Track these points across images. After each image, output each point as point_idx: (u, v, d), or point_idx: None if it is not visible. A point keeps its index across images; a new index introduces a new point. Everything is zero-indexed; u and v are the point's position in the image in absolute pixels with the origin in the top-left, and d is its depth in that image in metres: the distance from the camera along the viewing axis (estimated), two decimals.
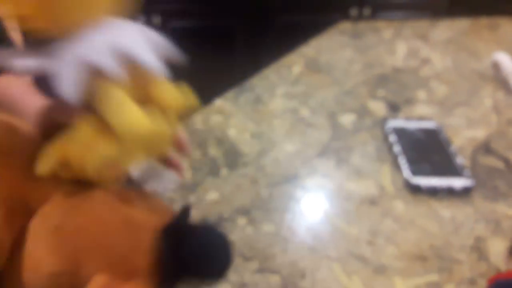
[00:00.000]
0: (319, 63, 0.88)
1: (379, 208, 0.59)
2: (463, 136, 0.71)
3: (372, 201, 0.59)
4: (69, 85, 0.33)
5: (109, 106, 0.36)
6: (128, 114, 0.35)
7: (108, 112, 0.36)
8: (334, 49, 0.93)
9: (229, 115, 0.74)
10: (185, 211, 0.45)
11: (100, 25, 0.35)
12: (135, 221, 0.41)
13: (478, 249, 0.54)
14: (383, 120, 0.72)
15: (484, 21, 1.04)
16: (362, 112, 0.75)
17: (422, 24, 1.02)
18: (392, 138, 0.68)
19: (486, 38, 0.97)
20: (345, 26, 1.02)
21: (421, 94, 0.80)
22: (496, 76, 0.84)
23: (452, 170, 0.63)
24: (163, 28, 1.58)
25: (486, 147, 0.69)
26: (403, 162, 0.64)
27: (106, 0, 0.36)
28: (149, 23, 1.58)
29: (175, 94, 0.40)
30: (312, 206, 0.59)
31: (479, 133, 0.71)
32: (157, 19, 1.58)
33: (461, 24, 1.02)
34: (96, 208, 0.40)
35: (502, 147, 0.69)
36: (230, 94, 0.79)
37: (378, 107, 0.76)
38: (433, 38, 0.97)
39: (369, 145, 0.68)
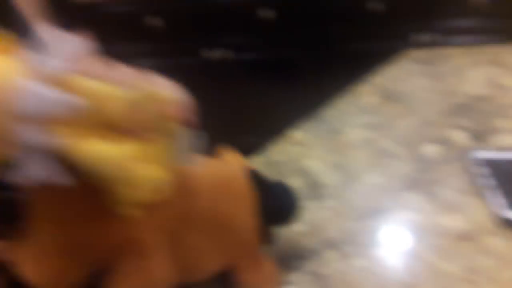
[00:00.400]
0: (393, 92, 0.87)
1: (474, 244, 0.56)
2: None
3: (466, 237, 0.57)
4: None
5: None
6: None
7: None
8: (407, 78, 0.92)
9: (307, 145, 0.74)
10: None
11: None
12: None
13: None
14: (468, 151, 0.69)
15: None
16: (444, 142, 0.73)
17: (496, 49, 0.99)
18: (484, 170, 0.65)
19: None
20: (415, 53, 1.00)
21: (504, 123, 0.77)
22: None
23: None
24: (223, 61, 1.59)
25: None
26: (497, 195, 0.61)
27: None
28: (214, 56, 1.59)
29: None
30: (403, 241, 0.57)
31: None
32: (218, 52, 1.61)
33: None
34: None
35: None
36: (305, 125, 0.80)
37: (461, 137, 0.74)
38: (509, 63, 0.94)
39: (456, 177, 0.66)
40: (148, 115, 0.37)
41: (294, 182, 0.66)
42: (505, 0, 1.42)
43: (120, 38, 1.32)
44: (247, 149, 0.62)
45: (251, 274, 0.46)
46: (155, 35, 1.46)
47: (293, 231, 0.58)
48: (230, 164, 0.48)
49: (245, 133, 1.13)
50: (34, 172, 0.33)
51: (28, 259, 0.39)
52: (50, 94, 0.33)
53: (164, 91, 0.39)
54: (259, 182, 0.48)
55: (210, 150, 0.45)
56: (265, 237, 0.48)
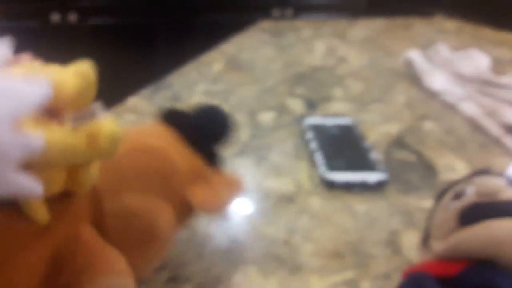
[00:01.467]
0: (239, 61, 0.87)
1: (296, 206, 0.58)
2: (377, 131, 0.72)
3: (290, 199, 0.59)
4: None
5: None
6: None
7: None
8: (254, 47, 0.92)
9: (143, 114, 0.71)
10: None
11: None
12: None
13: (392, 243, 0.54)
14: (301, 118, 0.71)
15: (399, 21, 1.07)
16: (281, 110, 0.74)
17: (340, 24, 1.04)
18: (309, 135, 0.68)
19: (400, 37, 1.01)
20: (265, 24, 1.01)
21: (338, 92, 0.80)
22: (409, 73, 0.87)
23: (366, 165, 0.63)
24: (80, 26, 1.50)
25: (399, 142, 0.71)
26: (319, 158, 0.64)
27: None
28: (65, 21, 1.49)
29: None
30: (230, 207, 0.56)
31: (393, 129, 0.73)
32: (73, 17, 1.50)
33: (377, 24, 1.05)
34: None
35: (414, 142, 0.71)
36: (146, 91, 0.76)
37: (297, 105, 0.76)
38: (350, 37, 0.99)
39: (287, 142, 0.68)
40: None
41: None
42: None
43: None
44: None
45: (201, 193, 0.43)
46: None
47: None
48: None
49: None
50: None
51: None
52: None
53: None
54: (175, 116, 0.46)
55: None
56: (211, 158, 0.46)
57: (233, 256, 0.50)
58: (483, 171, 0.53)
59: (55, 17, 1.45)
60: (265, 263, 0.50)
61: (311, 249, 0.52)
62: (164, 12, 1.39)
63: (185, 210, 0.43)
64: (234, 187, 0.46)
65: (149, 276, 0.47)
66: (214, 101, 0.75)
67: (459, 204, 0.48)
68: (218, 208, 0.44)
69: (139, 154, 0.42)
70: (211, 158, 0.46)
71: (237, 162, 0.63)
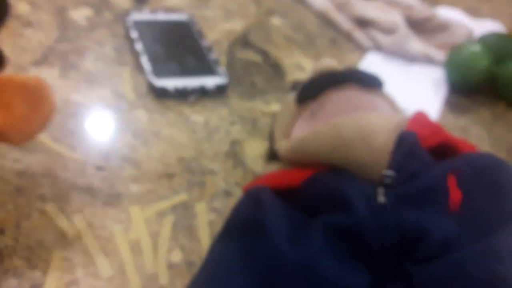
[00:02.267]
0: None
1: (116, 122, 0.46)
2: (219, 29, 0.62)
3: (108, 114, 0.47)
4: None
5: None
6: None
7: None
8: None
9: None
10: None
11: None
12: None
13: (234, 155, 0.47)
14: (125, 14, 0.58)
15: None
16: (100, 5, 0.59)
17: None
18: (134, 34, 0.54)
19: None
20: None
21: None
22: None
23: (204, 68, 0.53)
24: None
25: (243, 40, 0.61)
26: (145, 62, 0.52)
27: None
28: None
29: None
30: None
31: (237, 25, 0.63)
32: None
33: None
34: None
35: (260, 39, 0.62)
36: None
37: None
38: None
39: (108, 45, 0.54)
40: None
41: None
42: None
43: None
44: None
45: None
46: None
47: None
48: None
49: None
50: None
51: None
52: None
53: None
54: None
55: None
56: None
57: (24, 195, 0.38)
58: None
59: None
60: (70, 198, 0.39)
61: (132, 173, 0.42)
62: None
63: None
64: (39, 106, 0.34)
65: None
66: None
67: (297, 90, 0.42)
68: (18, 132, 0.33)
69: None
70: None
71: (37, 72, 0.48)
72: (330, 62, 0.43)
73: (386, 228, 0.29)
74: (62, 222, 0.37)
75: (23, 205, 0.37)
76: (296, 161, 0.38)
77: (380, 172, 0.33)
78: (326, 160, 0.35)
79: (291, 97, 0.43)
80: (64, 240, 0.36)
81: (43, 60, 0.50)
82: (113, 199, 0.39)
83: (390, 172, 0.32)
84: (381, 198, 0.31)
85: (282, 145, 0.40)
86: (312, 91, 0.40)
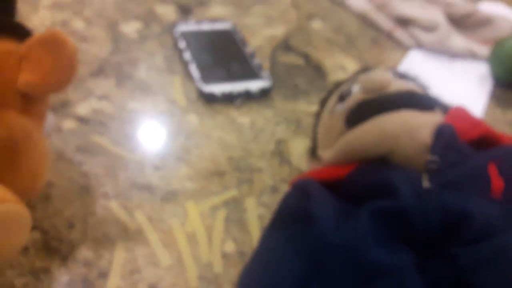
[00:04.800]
0: None
1: (170, 126, 0.49)
2: (261, 35, 0.64)
3: (162, 119, 0.50)
4: None
5: None
6: None
7: None
8: None
9: None
10: None
11: None
12: None
13: (280, 153, 0.49)
14: (173, 25, 0.61)
15: None
16: (149, 18, 0.63)
17: None
18: (182, 44, 0.58)
19: None
20: None
21: None
22: None
23: (249, 72, 0.56)
24: None
25: (285, 45, 0.63)
26: (194, 69, 0.55)
27: None
28: None
29: None
30: (86, 137, 0.47)
31: (278, 31, 0.66)
32: None
33: None
34: None
35: (301, 43, 0.64)
36: None
37: (167, 11, 0.65)
38: None
39: (158, 55, 0.58)
40: None
41: None
42: None
43: None
44: None
45: (26, 76, 0.36)
46: None
47: None
48: None
49: None
50: None
51: None
52: None
53: None
54: None
55: None
56: (17, 31, 0.36)
57: (89, 193, 0.42)
58: (367, 68, 0.48)
59: None
60: (132, 196, 0.42)
61: (187, 171, 0.45)
62: None
63: (29, 105, 0.35)
64: (57, 49, 0.35)
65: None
66: (65, 15, 0.61)
67: (344, 106, 0.42)
68: (52, 84, 0.35)
69: None
70: (16, 31, 0.36)
71: (95, 83, 0.53)
72: (381, 76, 0.41)
73: (431, 211, 0.30)
74: (125, 217, 0.40)
75: (89, 202, 0.41)
76: (340, 163, 0.39)
77: (424, 162, 0.34)
78: (371, 155, 0.37)
79: (332, 104, 0.44)
80: (127, 233, 0.39)
81: (99, 71, 0.54)
82: (170, 196, 0.42)
83: (434, 157, 0.33)
84: (426, 183, 0.32)
85: (326, 153, 0.41)
86: (363, 116, 0.40)
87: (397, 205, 0.30)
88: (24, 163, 0.34)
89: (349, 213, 0.33)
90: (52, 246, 0.37)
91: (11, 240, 0.31)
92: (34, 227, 0.38)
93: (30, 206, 0.38)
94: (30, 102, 0.35)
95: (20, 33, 0.36)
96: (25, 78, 0.34)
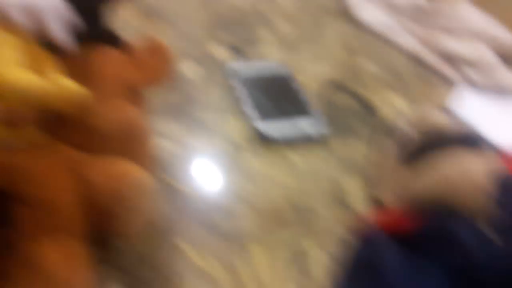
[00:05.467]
0: (149, 6, 0.76)
1: (228, 165, 0.51)
2: (311, 74, 0.66)
3: (220, 158, 0.51)
4: None
5: None
6: (12, 66, 0.32)
7: None
8: None
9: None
10: None
11: None
12: None
13: (337, 195, 0.49)
14: (225, 65, 0.63)
15: None
16: (204, 58, 0.66)
17: None
18: (235, 83, 0.60)
19: None
20: None
21: (264, 34, 0.73)
22: (340, 8, 0.81)
23: (302, 112, 0.57)
24: None
25: (334, 84, 0.65)
26: (249, 109, 0.56)
27: None
28: None
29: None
30: (160, 172, 0.49)
31: (327, 70, 0.67)
32: None
33: None
34: None
35: (350, 82, 0.65)
36: None
37: (219, 51, 0.67)
38: None
39: (212, 94, 0.60)
40: None
41: None
42: None
43: None
44: None
45: (131, 75, 0.43)
46: None
47: None
48: None
49: None
50: None
51: None
52: None
53: None
54: None
55: None
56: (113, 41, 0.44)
57: (160, 229, 0.43)
58: (421, 109, 0.49)
59: None
60: (198, 234, 0.43)
61: (248, 212, 0.46)
62: None
63: (136, 99, 0.43)
64: (159, 53, 0.44)
65: None
66: None
67: (403, 149, 0.43)
68: (155, 80, 0.44)
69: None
70: (118, 42, 0.43)
71: (155, 122, 0.55)
72: (437, 117, 0.43)
73: (496, 259, 0.30)
74: (193, 255, 0.41)
75: (157, 239, 0.42)
76: (405, 208, 0.40)
77: (485, 209, 0.34)
78: (435, 203, 0.37)
79: (396, 151, 0.45)
80: (195, 270, 0.40)
81: (159, 110, 0.56)
82: (232, 235, 0.43)
83: (498, 210, 0.34)
84: (489, 232, 0.32)
85: (389, 196, 0.42)
86: (420, 156, 0.41)
87: (466, 262, 0.31)
88: (139, 146, 0.41)
89: (417, 266, 0.33)
90: (125, 281, 0.38)
91: (145, 208, 0.37)
92: (108, 262, 0.39)
93: (104, 243, 0.40)
94: (135, 94, 0.42)
95: (118, 42, 0.43)
96: (133, 75, 0.41)
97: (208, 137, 0.54)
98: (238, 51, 0.68)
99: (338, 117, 0.59)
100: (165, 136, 0.53)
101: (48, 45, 0.36)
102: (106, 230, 0.41)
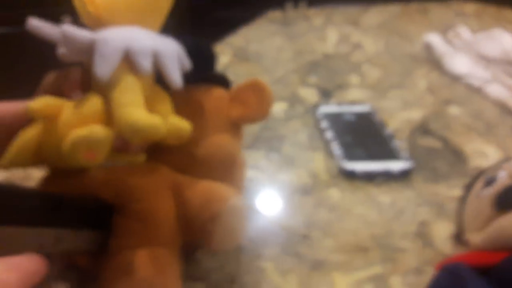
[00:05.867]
0: (247, 52, 0.83)
1: (313, 198, 0.53)
2: (399, 118, 0.67)
3: (306, 191, 0.54)
4: (107, 63, 0.36)
5: (120, 93, 0.36)
6: (134, 106, 0.36)
7: (116, 98, 0.36)
8: (263, 38, 0.88)
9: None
10: None
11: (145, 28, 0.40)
12: None
13: (422, 235, 0.49)
14: (315, 107, 0.67)
15: (414, 6, 1.02)
16: (293, 100, 0.70)
17: (352, 10, 0.99)
18: (324, 124, 0.63)
19: (417, 21, 0.96)
20: (274, 15, 0.97)
21: (354, 79, 0.76)
22: (429, 57, 0.82)
23: (389, 153, 0.58)
24: None
25: (423, 128, 0.65)
26: (336, 148, 0.59)
27: (161, 12, 0.42)
28: None
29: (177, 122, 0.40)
30: (246, 200, 0.52)
31: (415, 115, 0.68)
32: None
33: (392, 9, 1.00)
34: None
35: (439, 127, 0.66)
36: None
37: (310, 94, 0.71)
38: (364, 24, 0.94)
39: (301, 133, 0.63)
40: None
41: None
42: None
43: None
44: None
45: (238, 110, 0.46)
46: None
47: None
48: None
49: None
50: None
51: None
52: None
53: None
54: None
55: None
56: (224, 82, 0.48)
57: (248, 252, 0.46)
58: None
59: None
60: (283, 260, 0.45)
61: (332, 243, 0.47)
62: (174, 11, 1.35)
63: (236, 132, 0.46)
64: (259, 92, 0.47)
65: None
66: None
67: (492, 191, 0.43)
68: (255, 116, 0.46)
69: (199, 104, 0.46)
70: (223, 82, 0.47)
71: (248, 155, 0.59)
72: None
73: None
74: (277, 279, 0.43)
75: (246, 262, 0.45)
76: (491, 248, 0.40)
77: None
78: None
79: (479, 189, 0.45)
80: None
81: (252, 145, 0.60)
82: (317, 264, 0.45)
83: None
84: None
85: (476, 237, 0.42)
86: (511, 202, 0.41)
87: None
88: (236, 173, 0.45)
89: None
90: None
91: (240, 229, 0.40)
92: (199, 279, 0.43)
93: (192, 259, 0.43)
94: (236, 128, 0.46)
95: (225, 82, 0.47)
96: (236, 111, 0.45)
97: (295, 171, 0.57)
98: (327, 94, 0.71)
99: (425, 160, 0.59)
100: (256, 167, 0.57)
101: (163, 84, 0.41)
102: (196, 247, 0.45)
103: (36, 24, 0.38)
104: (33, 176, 0.50)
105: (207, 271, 0.44)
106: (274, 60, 0.81)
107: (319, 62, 0.80)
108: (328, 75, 0.76)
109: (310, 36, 0.88)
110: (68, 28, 0.36)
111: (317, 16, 0.96)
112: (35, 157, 0.39)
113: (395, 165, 0.56)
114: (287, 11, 0.98)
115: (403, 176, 0.56)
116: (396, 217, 0.51)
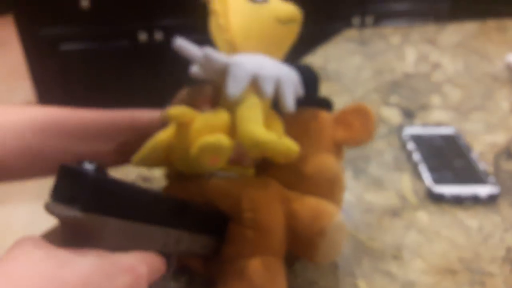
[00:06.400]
0: (327, 71, 0.86)
1: (402, 220, 0.56)
2: (482, 141, 0.68)
3: (395, 213, 0.57)
4: (238, 84, 0.41)
5: (245, 111, 0.41)
6: (256, 123, 0.41)
7: (241, 115, 0.41)
8: (342, 57, 0.91)
9: None
10: None
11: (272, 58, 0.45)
12: None
13: (510, 260, 0.51)
14: (399, 128, 0.69)
15: (492, 23, 1.02)
16: (377, 120, 0.73)
17: (429, 29, 1.00)
18: (411, 145, 0.65)
19: (495, 40, 0.95)
20: (351, 33, 1.00)
21: (435, 100, 0.77)
22: (511, 77, 0.82)
23: (475, 177, 0.60)
24: (165, 43, 1.55)
25: (508, 152, 0.66)
26: (423, 170, 0.61)
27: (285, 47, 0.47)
28: (151, 39, 1.56)
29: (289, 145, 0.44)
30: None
31: (499, 138, 0.69)
32: (159, 35, 1.56)
33: (468, 27, 1.00)
34: None
35: None
36: None
37: (393, 114, 0.74)
38: (441, 42, 0.95)
39: (387, 153, 0.66)
40: None
41: None
42: None
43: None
44: None
45: (342, 133, 0.50)
46: (83, 17, 1.39)
47: None
48: None
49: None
50: None
51: None
52: None
53: None
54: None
55: None
56: (327, 105, 0.52)
57: (339, 270, 0.49)
58: None
59: (143, 36, 1.52)
60: (375, 278, 0.48)
61: (422, 265, 0.50)
62: None
63: (339, 153, 0.49)
64: (364, 117, 0.50)
65: None
66: None
67: None
68: (359, 140, 0.49)
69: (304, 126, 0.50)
70: (327, 105, 0.51)
71: None
72: None
73: None
74: None
75: (340, 278, 0.48)
76: None
77: None
78: None
79: None
80: None
81: None
82: (408, 285, 0.48)
83: None
84: None
85: None
86: None
87: None
88: (337, 192, 0.48)
89: None
90: None
91: (340, 245, 0.44)
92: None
93: (293, 270, 0.47)
94: (339, 150, 0.49)
95: (328, 105, 0.51)
96: (341, 134, 0.48)
97: (383, 192, 0.59)
98: (410, 115, 0.73)
99: (510, 185, 0.60)
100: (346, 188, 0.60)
101: (275, 106, 0.45)
102: (296, 258, 0.49)
103: (182, 43, 0.43)
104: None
105: (305, 283, 0.48)
106: (353, 79, 0.84)
107: (399, 82, 0.82)
108: (410, 95, 0.78)
109: (389, 55, 0.90)
110: (210, 50, 0.41)
111: (393, 34, 0.98)
112: (164, 159, 0.44)
113: (483, 190, 0.58)
114: (362, 30, 1.00)
115: (490, 200, 0.58)
116: (484, 241, 0.53)
